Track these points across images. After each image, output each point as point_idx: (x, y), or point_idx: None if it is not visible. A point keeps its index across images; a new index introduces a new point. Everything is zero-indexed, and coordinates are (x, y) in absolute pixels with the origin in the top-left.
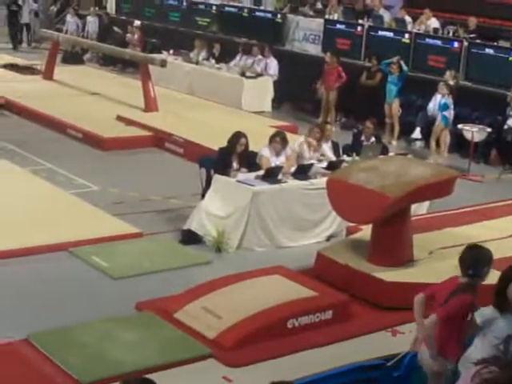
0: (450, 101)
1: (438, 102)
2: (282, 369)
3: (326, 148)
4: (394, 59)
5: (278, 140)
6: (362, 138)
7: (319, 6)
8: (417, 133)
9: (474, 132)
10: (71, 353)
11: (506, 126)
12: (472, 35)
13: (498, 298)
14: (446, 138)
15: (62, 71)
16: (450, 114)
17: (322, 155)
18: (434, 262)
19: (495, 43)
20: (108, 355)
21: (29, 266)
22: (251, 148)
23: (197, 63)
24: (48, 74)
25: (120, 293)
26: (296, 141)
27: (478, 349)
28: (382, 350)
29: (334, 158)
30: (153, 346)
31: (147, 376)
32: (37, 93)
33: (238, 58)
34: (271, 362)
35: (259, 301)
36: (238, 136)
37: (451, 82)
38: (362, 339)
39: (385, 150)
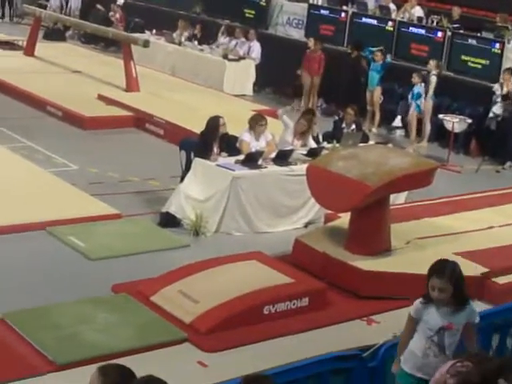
0: (422, 89)
1: (412, 91)
2: (257, 355)
3: (310, 139)
4: (378, 48)
5: (264, 123)
6: (343, 125)
7: None
8: (397, 121)
9: (455, 122)
10: (47, 333)
11: (491, 114)
12: (455, 25)
13: (426, 290)
14: (426, 128)
15: (43, 48)
16: (421, 102)
17: (305, 145)
18: (411, 251)
19: (478, 34)
20: (83, 337)
21: (5, 245)
22: (232, 132)
23: (179, 44)
24: (29, 50)
25: (96, 274)
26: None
27: (415, 340)
28: (357, 338)
29: (315, 145)
30: (129, 328)
31: (122, 359)
32: (17, 69)
33: (221, 39)
34: (247, 347)
35: (236, 286)
36: (215, 119)
37: (434, 72)
38: (337, 327)
39: (365, 138)
